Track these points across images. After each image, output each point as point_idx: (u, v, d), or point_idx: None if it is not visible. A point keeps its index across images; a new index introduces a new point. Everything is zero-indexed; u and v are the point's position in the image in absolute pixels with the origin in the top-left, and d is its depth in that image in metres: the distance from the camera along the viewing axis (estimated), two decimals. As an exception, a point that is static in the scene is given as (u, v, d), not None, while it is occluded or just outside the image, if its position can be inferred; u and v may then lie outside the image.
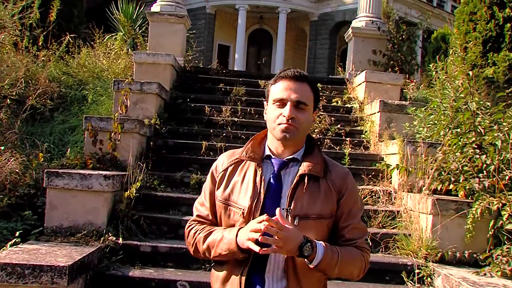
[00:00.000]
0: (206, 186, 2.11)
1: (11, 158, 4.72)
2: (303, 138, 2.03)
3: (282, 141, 1.95)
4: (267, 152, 2.03)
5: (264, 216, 1.77)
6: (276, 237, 1.75)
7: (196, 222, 2.10)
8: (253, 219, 1.88)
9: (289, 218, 1.88)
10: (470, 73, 6.02)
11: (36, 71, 7.25)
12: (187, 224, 2.14)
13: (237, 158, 2.06)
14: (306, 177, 1.95)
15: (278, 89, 1.95)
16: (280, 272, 1.93)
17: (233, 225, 1.95)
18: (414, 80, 8.84)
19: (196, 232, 2.06)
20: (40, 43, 7.70)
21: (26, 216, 4.67)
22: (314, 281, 1.98)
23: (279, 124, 1.92)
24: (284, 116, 1.90)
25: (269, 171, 2.00)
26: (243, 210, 1.94)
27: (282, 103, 1.93)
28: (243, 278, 1.92)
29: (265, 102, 2.06)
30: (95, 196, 4.68)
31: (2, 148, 4.33)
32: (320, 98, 7.75)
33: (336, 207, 1.99)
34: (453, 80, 6.19)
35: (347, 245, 1.98)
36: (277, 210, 1.80)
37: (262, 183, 1.95)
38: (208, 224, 2.08)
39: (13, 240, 4.18)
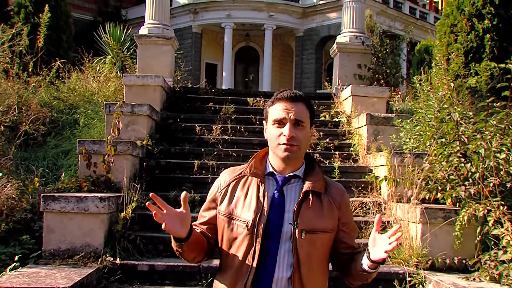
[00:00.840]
0: (208, 197, 2.18)
1: (8, 184, 4.81)
2: (302, 155, 2.12)
3: (285, 159, 2.04)
4: (269, 169, 2.11)
5: None
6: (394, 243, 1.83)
7: (196, 227, 2.16)
8: (256, 232, 1.97)
9: (297, 232, 1.97)
10: (452, 84, 6.18)
11: (27, 97, 7.34)
12: None
13: (239, 174, 2.13)
14: (311, 194, 2.05)
15: (276, 110, 2.04)
16: (285, 279, 1.98)
17: (236, 238, 2.01)
18: (400, 92, 9.02)
19: None
20: (30, 69, 7.80)
21: (23, 240, 4.74)
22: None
23: (280, 144, 2.01)
24: (284, 135, 1.99)
25: (271, 187, 2.08)
26: (247, 223, 2.00)
27: (281, 123, 2.02)
28: (249, 282, 1.97)
29: (264, 122, 2.14)
30: (92, 218, 4.77)
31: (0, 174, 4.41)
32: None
33: (337, 222, 2.09)
34: (437, 91, 6.36)
35: (352, 253, 2.09)
36: (377, 216, 1.93)
37: (266, 198, 2.02)
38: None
39: (12, 265, 4.25)
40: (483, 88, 8.59)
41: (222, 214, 2.07)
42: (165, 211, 1.88)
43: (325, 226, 2.04)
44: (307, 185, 2.05)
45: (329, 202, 2.08)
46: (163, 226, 1.84)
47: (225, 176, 2.16)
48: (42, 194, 4.77)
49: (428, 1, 31.75)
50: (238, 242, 2.00)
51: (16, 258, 4.38)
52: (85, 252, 4.71)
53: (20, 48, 7.71)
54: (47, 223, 4.76)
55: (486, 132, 5.09)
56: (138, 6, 27.56)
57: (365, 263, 1.94)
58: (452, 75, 9.09)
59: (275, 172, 2.09)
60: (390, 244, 1.82)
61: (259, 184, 2.07)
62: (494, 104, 5.55)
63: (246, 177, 2.11)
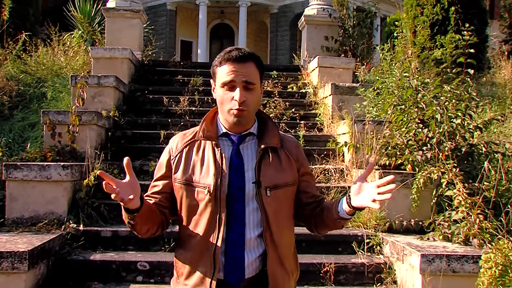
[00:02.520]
0: (160, 166, 2.10)
1: (-31, 153, 4.81)
2: (254, 115, 2.07)
3: (236, 123, 1.99)
4: (222, 129, 2.05)
5: None
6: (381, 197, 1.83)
7: (149, 198, 2.07)
8: (220, 195, 1.92)
9: (261, 190, 1.95)
10: (409, 51, 6.30)
11: (-8, 70, 7.30)
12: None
13: (191, 139, 2.07)
14: (269, 150, 2.03)
15: (224, 72, 1.95)
16: (257, 237, 1.97)
17: (198, 205, 1.96)
18: (370, 65, 9.13)
19: None
20: (-5, 43, 7.73)
21: (-15, 209, 4.77)
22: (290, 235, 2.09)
23: (231, 109, 1.95)
24: (235, 100, 1.93)
25: (227, 148, 2.03)
26: (209, 187, 1.94)
27: (231, 85, 1.94)
28: (221, 234, 1.94)
29: (211, 81, 2.06)
30: (55, 186, 4.81)
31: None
32: (276, 85, 8.01)
33: (297, 174, 2.09)
34: (399, 61, 6.48)
35: (316, 201, 2.11)
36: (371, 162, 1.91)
37: (223, 159, 1.97)
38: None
39: (-26, 231, 4.29)
40: (448, 60, 8.74)
41: (179, 181, 2.01)
42: (114, 186, 1.75)
43: (287, 180, 2.02)
44: (264, 142, 2.03)
45: (286, 156, 2.07)
46: (112, 196, 1.75)
47: (176, 142, 2.10)
48: (4, 163, 4.79)
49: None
50: (201, 208, 1.95)
51: (-23, 225, 4.42)
52: (48, 220, 4.75)
53: (-16, 21, 7.62)
54: (9, 191, 4.78)
55: (442, 98, 5.23)
56: (111, -17, 27.14)
57: (343, 210, 1.93)
58: (418, 47, 9.24)
59: (229, 132, 2.04)
60: (379, 194, 1.80)
61: (214, 147, 2.02)
62: (448, 70, 5.70)
63: (199, 140, 2.06)
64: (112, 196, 1.75)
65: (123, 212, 1.89)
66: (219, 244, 1.92)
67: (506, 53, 10.97)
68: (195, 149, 2.04)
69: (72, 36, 9.63)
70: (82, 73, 6.83)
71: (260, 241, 1.98)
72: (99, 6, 11.34)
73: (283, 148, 2.09)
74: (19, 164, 4.79)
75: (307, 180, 2.13)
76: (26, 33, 7.94)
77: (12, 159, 5.51)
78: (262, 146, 2.02)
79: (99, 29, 10.17)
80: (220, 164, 1.97)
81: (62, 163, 4.89)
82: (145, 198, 1.99)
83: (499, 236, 4.07)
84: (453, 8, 8.87)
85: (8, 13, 7.85)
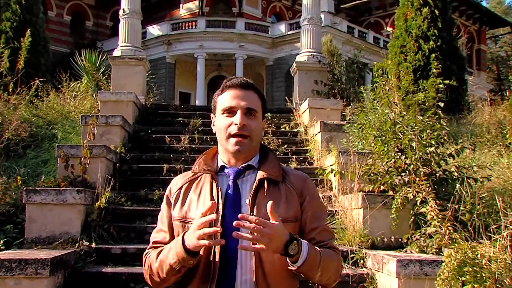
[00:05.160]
0: (162, 211, 2.04)
1: (-7, 180, 5.37)
2: (256, 147, 1.98)
3: (236, 154, 1.91)
4: (220, 163, 1.98)
5: (213, 216, 1.74)
6: (259, 235, 1.67)
7: (152, 249, 1.99)
8: (214, 232, 1.75)
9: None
10: (387, 88, 6.96)
11: (8, 113, 7.93)
12: (144, 254, 2.02)
13: (191, 177, 2.00)
14: (266, 182, 1.90)
15: (226, 99, 1.91)
16: (250, 285, 1.84)
17: None
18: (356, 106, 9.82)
19: (150, 256, 1.95)
20: (11, 89, 8.40)
21: (7, 229, 5.27)
22: None
23: (231, 134, 1.88)
24: (235, 124, 1.86)
25: (225, 183, 1.94)
26: None
27: (231, 111, 1.89)
28: None
29: (212, 115, 2.02)
30: (70, 209, 5.34)
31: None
32: (270, 125, 8.65)
33: (301, 211, 1.94)
34: (378, 97, 7.14)
35: (319, 247, 1.90)
36: (269, 203, 1.72)
37: (219, 193, 1.88)
38: None
39: (-1, 247, 4.80)
40: (431, 102, 9.45)
41: (176, 219, 1.94)
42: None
43: (286, 214, 1.87)
44: (261, 173, 1.92)
45: (288, 189, 1.94)
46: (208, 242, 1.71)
47: (177, 180, 2.04)
48: (24, 188, 5.34)
49: (391, 31, 33.27)
50: None
51: (1, 242, 4.92)
52: (63, 239, 5.25)
53: (1, 70, 8.32)
54: (29, 214, 5.30)
55: (416, 127, 5.85)
56: (112, 38, 28.42)
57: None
58: (403, 91, 9.95)
59: (227, 166, 1.96)
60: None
61: (211, 181, 1.94)
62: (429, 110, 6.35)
63: (198, 178, 1.98)
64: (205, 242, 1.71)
65: (184, 255, 1.77)
66: (213, 282, 1.83)
67: (488, 99, 11.79)
68: (194, 186, 1.97)
69: (80, 83, 10.34)
70: (91, 114, 7.47)
71: (254, 286, 1.83)
72: (103, 58, 12.19)
73: (286, 181, 1.96)
74: (38, 189, 5.34)
75: (313, 223, 1.96)
76: (39, 80, 8.63)
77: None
78: (259, 178, 1.91)
79: (103, 78, 10.92)
80: (216, 199, 1.88)
81: (76, 188, 5.45)
82: (153, 242, 2.00)
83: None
84: (433, 55, 9.64)
85: (23, 62, 8.56)
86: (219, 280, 1.82)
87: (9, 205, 5.52)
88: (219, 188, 1.90)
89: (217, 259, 1.82)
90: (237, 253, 1.82)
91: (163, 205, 2.03)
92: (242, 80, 1.95)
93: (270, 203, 1.71)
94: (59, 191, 5.33)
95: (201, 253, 1.81)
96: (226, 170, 1.96)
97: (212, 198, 1.88)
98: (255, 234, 1.67)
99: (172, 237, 1.96)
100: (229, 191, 1.91)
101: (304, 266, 1.77)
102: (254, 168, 1.96)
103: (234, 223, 1.67)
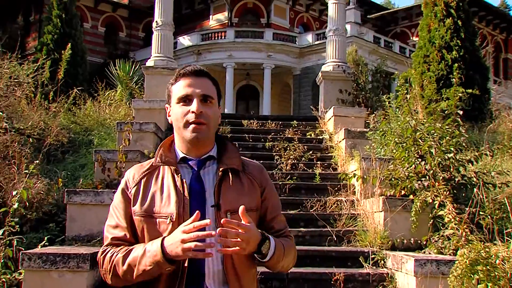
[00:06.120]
0: (118, 205, 2.00)
1: (37, 182, 5.80)
2: (213, 135, 1.98)
3: (194, 141, 1.89)
4: (180, 155, 1.96)
5: (207, 221, 1.73)
6: (237, 239, 1.71)
7: (111, 246, 1.94)
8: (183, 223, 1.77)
9: (220, 214, 1.86)
10: (408, 95, 7.20)
11: (48, 120, 8.43)
12: (100, 251, 1.97)
13: (149, 168, 1.98)
14: (229, 172, 1.93)
15: (180, 87, 1.91)
16: (220, 275, 1.87)
17: (160, 236, 1.84)
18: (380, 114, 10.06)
19: (113, 255, 1.88)
20: (51, 98, 8.93)
21: (50, 228, 5.68)
22: (251, 278, 1.97)
23: (188, 122, 1.87)
24: (192, 111, 1.85)
25: (186, 174, 1.93)
26: (171, 216, 1.85)
27: (187, 100, 1.88)
28: None
29: (166, 106, 2.00)
30: (106, 209, 5.65)
31: (33, 170, 5.39)
32: (296, 132, 8.94)
33: (261, 201, 2.00)
34: (403, 107, 7.38)
35: (278, 236, 1.98)
36: (241, 207, 1.74)
37: (185, 186, 1.88)
38: (126, 246, 1.93)
39: (43, 243, 5.19)
40: (453, 111, 9.65)
41: (138, 214, 1.91)
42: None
43: (249, 204, 1.90)
44: (223, 164, 1.94)
45: (249, 180, 1.98)
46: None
47: (132, 173, 2.00)
48: (65, 189, 5.75)
49: (417, 41, 33.36)
50: None
51: (46, 238, 5.33)
52: (101, 237, 5.59)
53: (43, 79, 8.85)
54: (69, 213, 5.69)
55: (436, 134, 6.08)
56: (144, 48, 29.28)
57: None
58: (426, 100, 10.16)
59: (187, 157, 1.96)
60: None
61: (174, 173, 1.92)
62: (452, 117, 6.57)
63: (157, 170, 1.96)
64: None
65: (162, 261, 1.77)
66: (183, 278, 1.84)
67: (514, 107, 11.89)
68: (154, 178, 1.95)
69: (115, 91, 10.85)
70: (126, 121, 7.90)
71: (223, 274, 1.87)
72: (136, 68, 12.73)
73: (246, 171, 2.00)
74: (78, 190, 5.74)
75: (272, 212, 2.03)
76: (77, 89, 9.14)
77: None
78: (221, 168, 1.93)
79: (136, 87, 11.42)
80: (182, 191, 1.88)
81: (113, 190, 5.83)
82: (112, 239, 1.96)
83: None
84: (456, 64, 9.81)
85: (63, 73, 9.09)
86: (188, 275, 1.84)
87: (51, 205, 5.94)
88: (184, 180, 1.90)
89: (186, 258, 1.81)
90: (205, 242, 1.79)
91: (119, 199, 1.99)
92: (195, 68, 1.94)
93: (242, 207, 1.74)
94: (97, 193, 5.72)
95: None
96: (190, 162, 1.95)
97: (177, 190, 1.88)
98: (235, 239, 1.71)
99: (131, 234, 1.93)
100: (193, 182, 1.92)
101: (271, 260, 1.85)
102: (214, 158, 1.98)
103: (218, 230, 1.70)
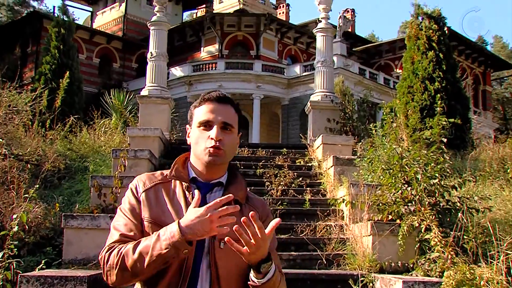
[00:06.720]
0: (127, 205, 1.95)
1: (35, 206, 5.96)
2: (227, 162, 1.99)
3: (210, 165, 1.90)
4: (192, 174, 1.97)
5: (231, 195, 1.78)
6: (252, 240, 1.72)
7: (119, 243, 1.85)
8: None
9: (214, 242, 1.84)
10: (394, 124, 7.49)
11: (45, 147, 8.62)
12: (106, 248, 1.87)
13: (161, 179, 1.97)
14: (232, 202, 1.85)
15: (203, 112, 1.92)
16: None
17: None
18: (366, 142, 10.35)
19: (121, 248, 1.81)
20: (48, 126, 9.13)
21: (47, 251, 5.82)
22: None
23: (206, 147, 1.88)
24: (212, 138, 1.87)
25: (192, 194, 1.92)
26: None
27: (208, 125, 1.90)
28: None
29: (187, 126, 2.02)
30: (103, 233, 5.85)
31: (33, 194, 5.55)
32: (286, 160, 9.18)
33: None
34: (386, 133, 7.67)
35: None
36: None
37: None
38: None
39: (40, 266, 5.33)
40: (437, 139, 9.97)
41: (147, 220, 1.89)
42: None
43: None
44: (229, 193, 1.87)
45: (250, 211, 1.85)
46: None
47: (143, 180, 1.99)
48: (63, 214, 5.91)
49: (400, 73, 34.13)
50: None
51: (43, 261, 5.47)
52: (97, 261, 5.76)
53: (40, 108, 9.07)
54: (66, 237, 5.85)
55: (421, 161, 6.34)
56: (137, 79, 29.71)
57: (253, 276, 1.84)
58: (411, 129, 10.47)
59: (198, 179, 1.96)
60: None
61: (185, 190, 1.93)
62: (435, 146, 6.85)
63: (169, 183, 1.96)
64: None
65: (182, 241, 1.72)
66: (184, 283, 1.81)
67: (493, 137, 12.28)
68: (165, 190, 1.94)
69: (109, 120, 11.08)
70: (121, 148, 8.11)
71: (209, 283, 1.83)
72: (130, 97, 13.00)
73: (249, 204, 2.00)
74: (75, 214, 5.91)
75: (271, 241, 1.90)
76: (74, 117, 9.35)
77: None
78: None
79: (130, 115, 11.66)
80: None
81: (109, 215, 6.00)
82: (120, 235, 1.88)
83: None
84: (438, 95, 10.21)
85: (60, 101, 9.32)
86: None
87: (48, 229, 6.09)
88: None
89: (188, 273, 1.81)
90: (199, 268, 1.82)
91: (131, 199, 1.95)
92: (220, 94, 1.95)
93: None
94: (94, 217, 5.89)
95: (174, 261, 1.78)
96: (198, 184, 1.94)
97: (187, 206, 1.83)
98: (251, 239, 1.71)
99: (141, 234, 1.87)
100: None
101: (267, 283, 1.81)
102: (222, 185, 1.97)
103: (243, 219, 1.71)
